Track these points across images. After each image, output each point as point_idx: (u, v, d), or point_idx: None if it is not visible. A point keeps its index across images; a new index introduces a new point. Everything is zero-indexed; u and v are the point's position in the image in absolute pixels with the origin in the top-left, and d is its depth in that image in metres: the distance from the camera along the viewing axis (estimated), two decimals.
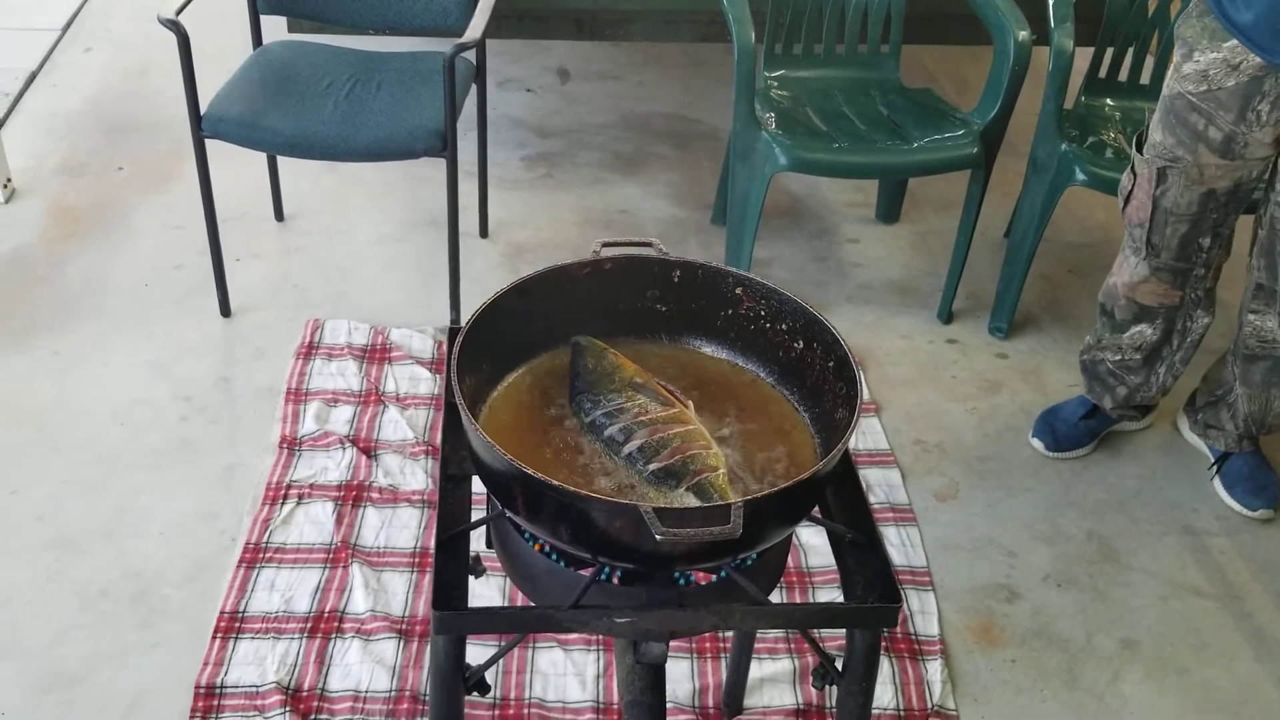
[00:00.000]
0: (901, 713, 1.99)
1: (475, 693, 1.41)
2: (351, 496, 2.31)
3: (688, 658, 2.05)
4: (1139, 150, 2.19)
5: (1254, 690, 2.09)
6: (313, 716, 1.92)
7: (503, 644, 1.89)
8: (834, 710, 1.95)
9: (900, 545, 2.29)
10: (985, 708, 2.02)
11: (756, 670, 2.01)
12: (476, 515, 1.40)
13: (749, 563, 1.33)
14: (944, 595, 2.21)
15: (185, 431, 2.47)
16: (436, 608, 1.27)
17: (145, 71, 3.86)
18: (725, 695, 1.97)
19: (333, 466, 2.38)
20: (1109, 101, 2.91)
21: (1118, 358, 2.45)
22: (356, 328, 2.76)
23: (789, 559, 1.69)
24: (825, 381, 1.37)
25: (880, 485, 2.43)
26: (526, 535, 1.35)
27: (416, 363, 2.67)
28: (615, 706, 1.96)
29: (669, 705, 1.63)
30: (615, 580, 1.29)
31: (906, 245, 3.25)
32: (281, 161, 3.08)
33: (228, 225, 2.86)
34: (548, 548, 1.33)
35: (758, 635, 2.01)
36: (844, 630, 1.43)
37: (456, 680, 1.37)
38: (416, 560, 2.20)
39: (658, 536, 1.09)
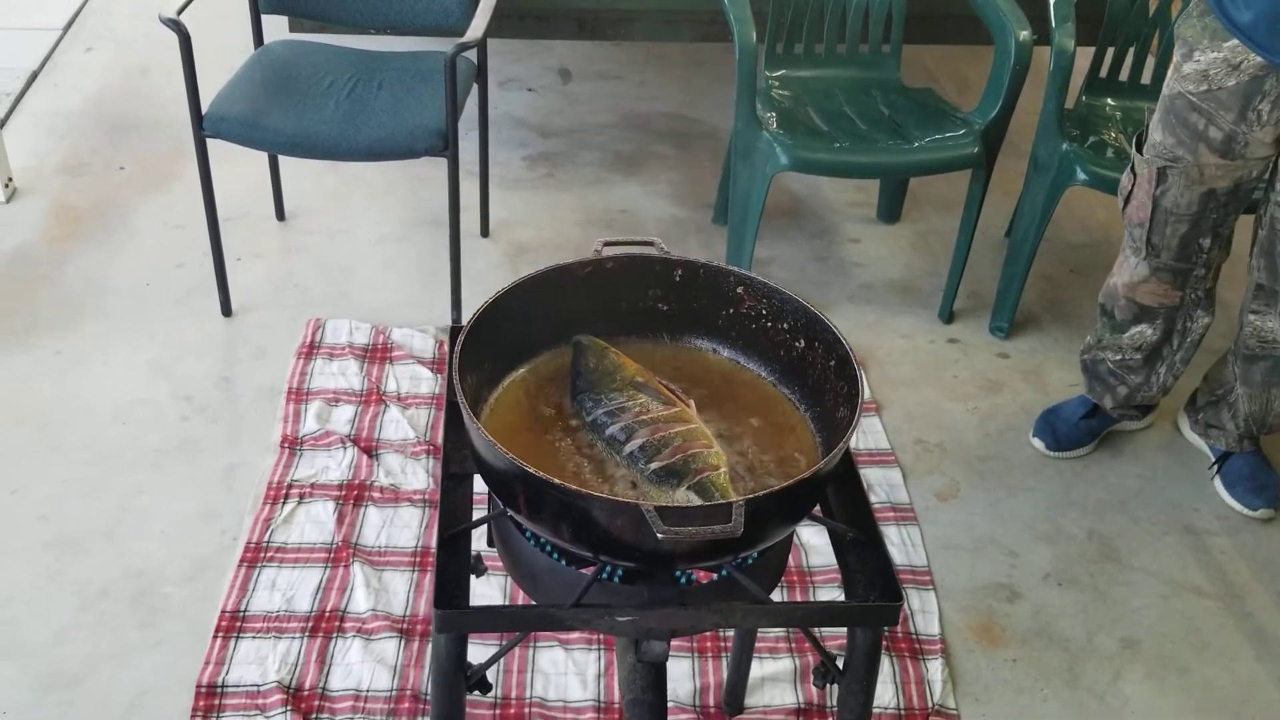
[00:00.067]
0: (902, 712, 1.99)
1: (476, 691, 1.42)
2: (353, 496, 2.31)
3: (689, 657, 2.05)
4: (1139, 150, 2.19)
5: (1255, 690, 2.09)
6: (314, 716, 1.92)
7: (504, 643, 1.89)
8: (835, 709, 1.96)
9: (901, 544, 2.29)
10: (986, 707, 2.02)
11: (757, 669, 2.01)
12: (478, 514, 1.41)
13: (750, 561, 1.33)
14: (945, 594, 2.21)
15: (186, 431, 2.47)
16: (438, 606, 1.27)
17: (146, 71, 3.86)
18: (726, 694, 1.97)
19: (334, 466, 2.38)
20: (1110, 101, 2.91)
21: (1118, 358, 2.45)
22: (358, 327, 2.77)
23: (790, 558, 1.69)
24: (826, 380, 1.37)
25: (881, 485, 2.43)
26: (528, 534, 1.35)
27: (418, 362, 2.67)
28: (616, 705, 1.96)
29: (670, 704, 1.63)
30: (616, 579, 1.29)
31: (907, 245, 3.25)
32: (283, 161, 3.08)
33: (229, 225, 2.86)
34: (549, 546, 1.33)
35: (759, 634, 2.01)
36: (845, 629, 1.43)
37: (458, 679, 1.37)
38: (417, 560, 2.20)
39: (659, 535, 1.09)
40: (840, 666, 1.43)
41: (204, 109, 2.52)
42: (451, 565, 1.32)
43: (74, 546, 2.19)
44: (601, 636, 2.06)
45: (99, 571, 2.15)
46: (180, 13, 2.43)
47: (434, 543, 1.77)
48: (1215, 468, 2.52)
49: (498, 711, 1.95)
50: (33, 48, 3.93)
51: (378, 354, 2.69)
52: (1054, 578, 2.27)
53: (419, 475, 2.38)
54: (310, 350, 2.69)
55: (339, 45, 2.88)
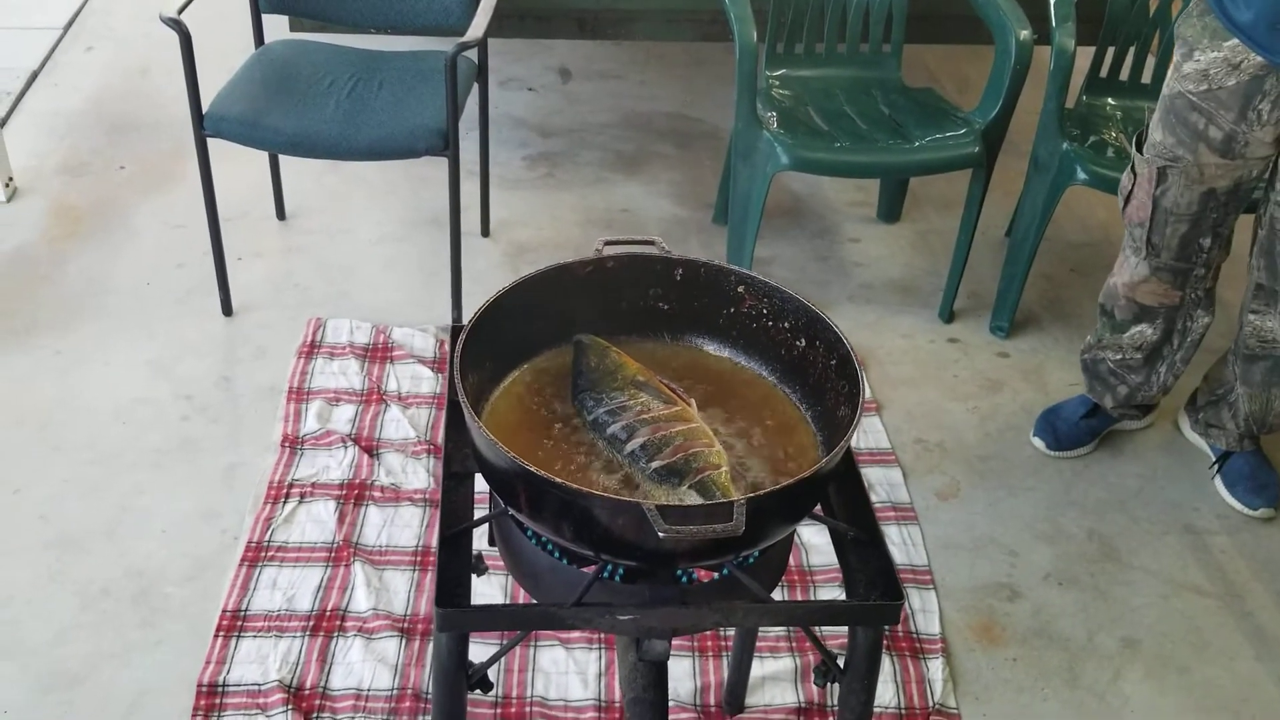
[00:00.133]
0: (903, 711, 1.99)
1: (478, 690, 1.42)
2: (353, 495, 2.32)
3: (689, 656, 2.05)
4: (1139, 150, 2.19)
5: (1255, 689, 2.09)
6: (315, 715, 1.92)
7: (505, 642, 1.89)
8: (835, 708, 1.96)
9: (901, 544, 2.29)
10: (986, 706, 2.02)
11: (758, 668, 2.01)
12: (479, 513, 1.41)
13: (751, 560, 1.34)
14: (945, 594, 2.21)
15: (187, 431, 2.47)
16: (440, 605, 1.27)
17: (147, 71, 3.86)
18: (727, 693, 1.97)
19: (334, 465, 2.38)
20: (1110, 101, 2.91)
21: (1118, 357, 2.45)
22: (358, 327, 2.77)
23: (790, 558, 1.69)
24: (827, 380, 1.37)
25: (881, 484, 2.43)
26: (529, 533, 1.35)
27: (418, 362, 2.67)
28: (617, 705, 1.96)
29: (670, 703, 1.63)
30: (618, 578, 1.29)
31: (908, 244, 3.25)
32: (283, 160, 3.08)
33: (229, 224, 2.86)
34: (550, 545, 1.33)
35: (759, 633, 2.01)
36: (846, 628, 1.43)
37: (459, 678, 1.37)
38: (418, 559, 2.20)
39: (660, 534, 1.10)
40: (841, 665, 1.43)
41: (204, 108, 2.52)
42: (453, 564, 1.32)
43: (75, 546, 2.19)
44: (602, 635, 2.06)
45: (100, 571, 2.15)
46: (181, 12, 2.43)
47: (435, 542, 1.77)
48: (1215, 467, 2.52)
49: (499, 710, 1.95)
50: (33, 47, 3.93)
51: (378, 353, 2.69)
52: (1054, 577, 2.27)
53: (420, 475, 2.38)
54: (311, 350, 2.69)
55: (339, 45, 2.88)
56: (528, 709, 1.95)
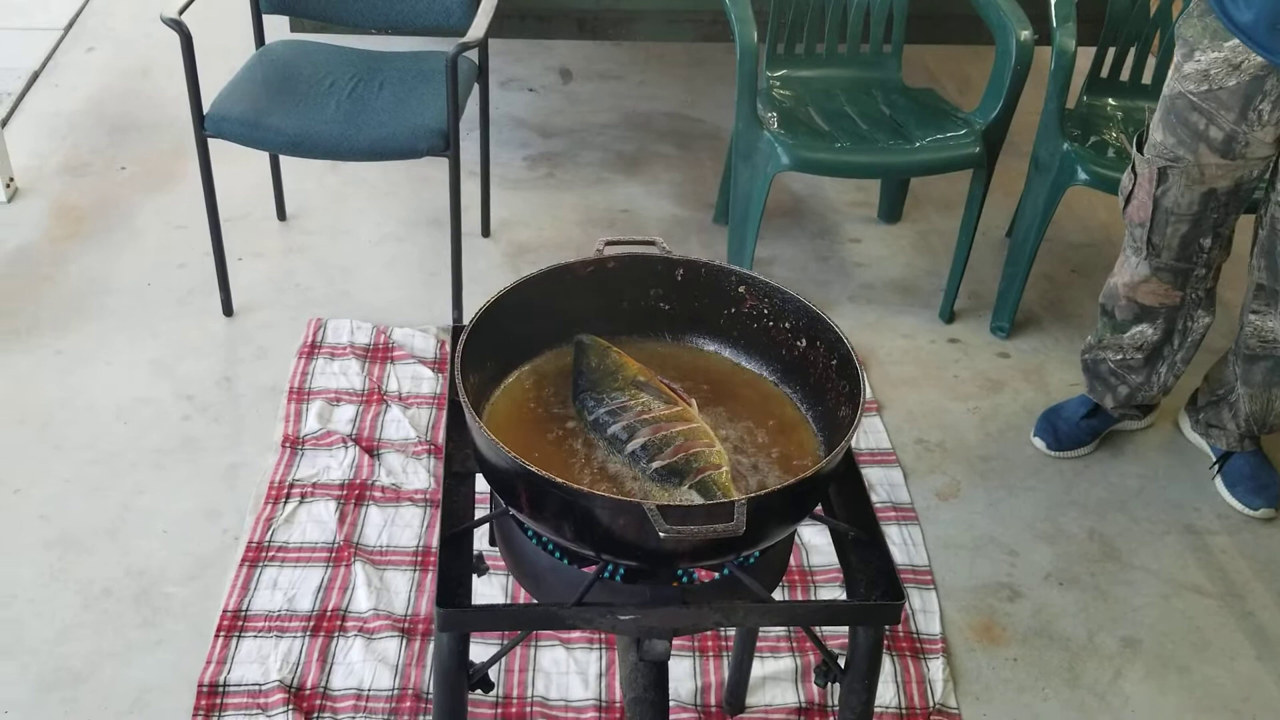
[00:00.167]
0: (903, 711, 1.99)
1: (478, 690, 1.42)
2: (354, 495, 2.32)
3: (690, 656, 2.05)
4: (1140, 150, 2.19)
5: (1255, 688, 2.09)
6: (315, 715, 1.92)
7: (505, 642, 1.89)
8: (836, 708, 1.96)
9: (902, 544, 2.30)
10: (987, 706, 2.02)
11: (759, 669, 2.01)
12: (479, 513, 1.41)
13: (752, 560, 1.34)
14: (946, 594, 2.21)
15: (188, 430, 2.48)
16: (441, 605, 1.27)
17: (147, 71, 3.86)
18: (728, 693, 1.97)
19: (335, 465, 2.38)
20: (1111, 101, 2.91)
21: (1119, 357, 2.45)
22: (359, 327, 2.77)
23: (791, 558, 1.70)
24: (828, 380, 1.37)
25: (882, 484, 2.43)
26: (530, 533, 1.35)
27: (419, 362, 2.67)
28: (618, 705, 1.96)
29: (671, 703, 1.64)
30: (618, 578, 1.29)
31: (908, 245, 3.26)
32: (284, 161, 3.08)
33: (230, 225, 2.87)
34: (551, 545, 1.33)
35: (760, 633, 2.01)
36: (846, 628, 1.43)
37: (460, 678, 1.38)
38: (419, 559, 2.20)
39: (661, 534, 1.10)
40: (842, 665, 1.43)
41: (205, 109, 2.53)
42: (454, 564, 1.32)
43: (76, 545, 2.20)
44: (603, 635, 2.06)
45: (101, 570, 2.15)
46: (182, 13, 2.43)
47: (436, 542, 1.77)
48: (1216, 467, 2.52)
49: (500, 710, 1.95)
50: (34, 48, 3.93)
51: (379, 354, 2.70)
52: (1055, 577, 2.27)
53: (420, 475, 2.38)
54: (311, 350, 2.69)
55: (340, 45, 2.88)
56: (528, 709, 1.95)
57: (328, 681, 1.97)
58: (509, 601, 2.08)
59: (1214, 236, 2.20)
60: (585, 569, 1.31)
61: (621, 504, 1.18)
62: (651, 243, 1.48)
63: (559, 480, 1.16)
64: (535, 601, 1.37)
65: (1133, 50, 2.86)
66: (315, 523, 2.25)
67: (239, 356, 2.70)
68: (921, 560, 2.27)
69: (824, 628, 2.02)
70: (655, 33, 3.56)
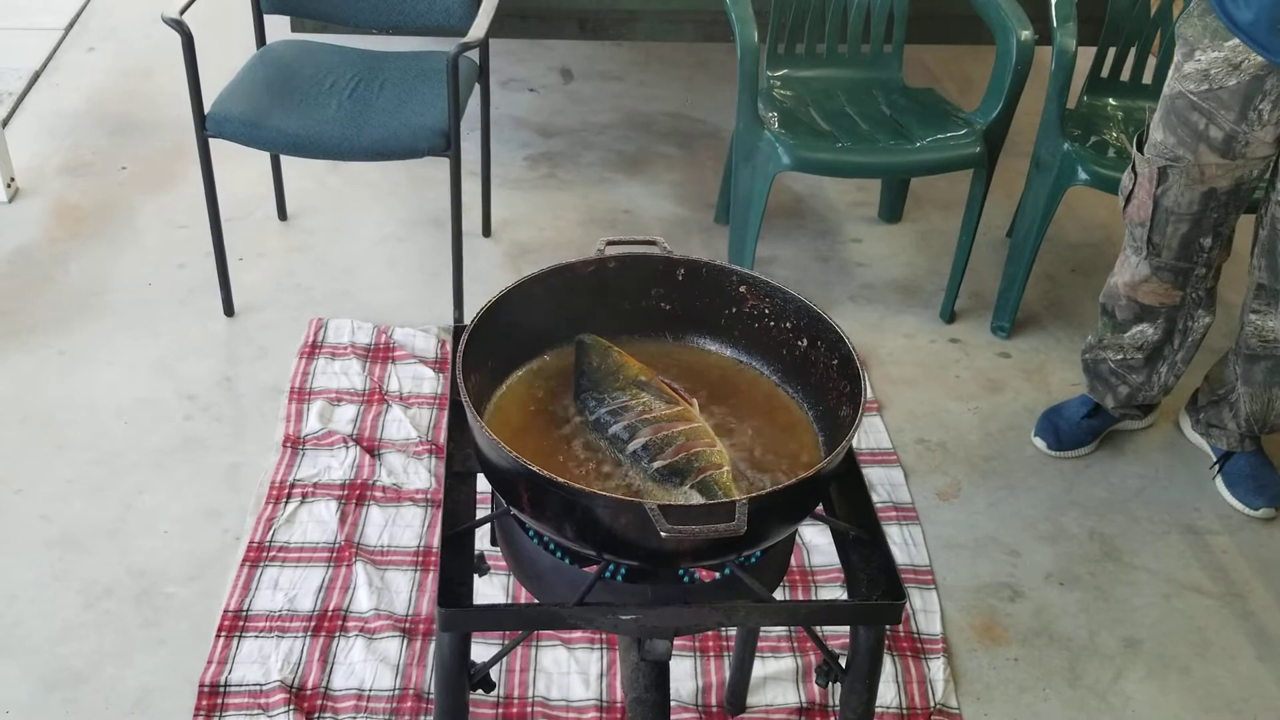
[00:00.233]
0: (904, 711, 1.99)
1: (480, 690, 1.42)
2: (355, 495, 2.32)
3: (691, 656, 2.05)
4: (1140, 149, 2.19)
5: (1256, 688, 2.09)
6: (316, 715, 1.92)
7: (507, 642, 1.89)
8: (837, 708, 1.96)
9: (903, 544, 2.30)
10: (988, 706, 2.02)
11: (760, 669, 2.01)
12: (481, 513, 1.41)
13: (753, 560, 1.34)
14: (946, 594, 2.21)
15: (189, 430, 2.48)
16: (442, 604, 1.27)
17: (148, 71, 3.86)
18: (729, 693, 1.97)
19: (336, 465, 2.38)
20: (1111, 101, 2.91)
21: (1119, 357, 2.45)
22: (360, 327, 2.77)
23: (792, 558, 1.70)
24: (829, 379, 1.37)
25: (883, 484, 2.44)
26: (531, 533, 1.35)
27: (420, 362, 2.67)
28: (619, 705, 1.97)
29: (672, 703, 1.63)
30: (620, 578, 1.30)
31: (909, 245, 3.26)
32: (285, 161, 3.09)
33: (231, 225, 2.87)
34: (552, 545, 1.34)
35: (761, 634, 2.01)
36: (847, 628, 1.43)
37: (462, 677, 1.38)
38: (420, 559, 2.20)
39: (662, 534, 1.10)
40: (843, 665, 1.43)
41: (206, 109, 2.53)
42: (455, 563, 1.32)
43: (77, 545, 2.20)
44: (604, 635, 2.06)
45: (102, 570, 2.15)
46: (183, 13, 2.43)
47: (437, 541, 1.77)
48: (1217, 467, 2.52)
49: (501, 710, 1.95)
50: (35, 48, 3.93)
51: (380, 354, 2.70)
52: (1055, 577, 2.27)
53: (421, 475, 2.38)
54: (312, 350, 2.69)
55: (341, 45, 2.88)
56: (530, 709, 1.95)
57: (329, 682, 1.97)
58: (510, 601, 2.08)
59: (1214, 236, 2.20)
60: (586, 569, 1.31)
61: (623, 504, 1.18)
62: (653, 243, 1.48)
63: (560, 480, 1.16)
64: (537, 601, 1.38)
65: (1133, 50, 2.86)
66: (316, 523, 2.25)
67: (240, 356, 2.70)
68: (922, 560, 2.27)
69: (825, 627, 2.02)
70: (656, 33, 3.56)
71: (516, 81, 3.94)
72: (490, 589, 2.11)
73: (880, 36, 3.00)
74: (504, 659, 2.00)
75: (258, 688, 1.95)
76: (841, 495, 1.44)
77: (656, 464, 1.26)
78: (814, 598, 2.16)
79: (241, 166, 3.06)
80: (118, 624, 2.06)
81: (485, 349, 1.34)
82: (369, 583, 2.13)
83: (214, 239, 2.71)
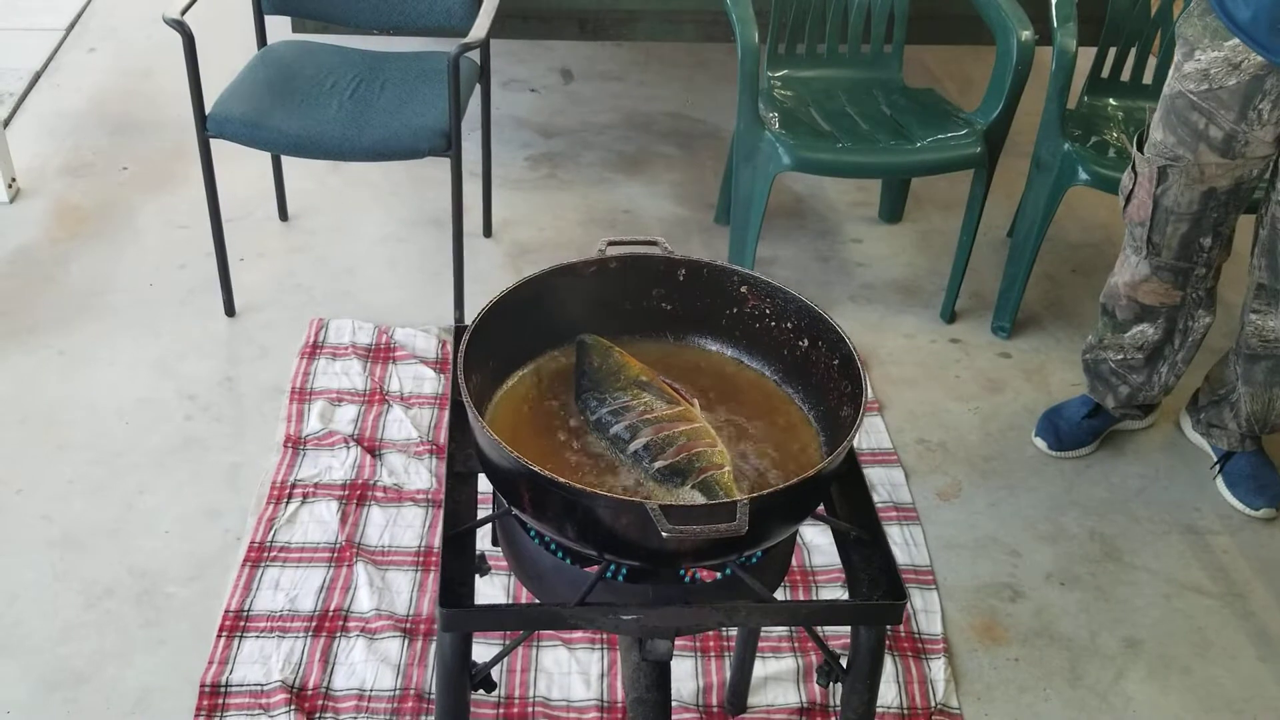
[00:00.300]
0: (905, 711, 1.99)
1: (481, 690, 1.42)
2: (356, 495, 2.32)
3: (692, 656, 2.05)
4: (1140, 149, 2.19)
5: (1257, 688, 2.09)
6: (317, 715, 1.92)
7: (508, 642, 1.90)
8: (838, 709, 1.96)
9: (903, 544, 2.30)
10: (989, 706, 2.02)
11: (761, 669, 2.01)
12: (482, 513, 1.41)
13: (754, 560, 1.34)
14: (947, 594, 2.21)
15: (190, 430, 2.48)
16: (443, 604, 1.27)
17: (149, 71, 3.86)
18: (729, 694, 1.98)
19: (337, 465, 2.38)
20: (1112, 101, 2.91)
21: (1120, 357, 2.45)
22: (360, 327, 2.77)
23: (793, 558, 1.70)
24: (830, 380, 1.38)
25: (883, 484, 2.44)
26: (532, 533, 1.35)
27: (421, 362, 2.67)
28: (620, 705, 1.97)
29: (673, 704, 1.64)
30: (621, 578, 1.30)
31: (909, 245, 3.26)
32: (286, 161, 3.09)
33: (232, 225, 2.87)
34: (554, 545, 1.34)
35: (762, 634, 2.01)
36: (848, 629, 1.43)
37: (463, 678, 1.38)
38: (421, 559, 2.20)
39: (664, 534, 1.10)
40: (844, 665, 1.43)
41: (207, 109, 2.53)
42: (456, 563, 1.32)
43: (78, 545, 2.20)
44: (605, 636, 2.06)
45: (103, 570, 2.15)
46: (184, 13, 2.43)
47: (438, 542, 1.77)
48: (1217, 467, 2.52)
49: (502, 710, 1.95)
50: (36, 48, 3.93)
51: (381, 354, 2.70)
52: (1056, 577, 2.27)
53: (422, 475, 2.38)
54: (313, 350, 2.69)
55: (342, 45, 2.88)
56: (531, 709, 1.95)
57: (330, 682, 1.97)
58: (511, 601, 2.09)
59: (1214, 236, 2.20)
60: (588, 569, 1.31)
61: (624, 504, 1.18)
62: (653, 243, 1.48)
63: (562, 480, 1.16)
64: (538, 601, 1.38)
65: (1133, 50, 2.86)
66: (317, 523, 2.25)
67: (241, 356, 2.70)
68: (923, 560, 2.27)
69: (826, 628, 2.02)
70: (656, 33, 3.57)
71: (517, 82, 3.94)
72: (491, 589, 2.11)
73: (880, 37, 3.00)
74: (505, 659, 2.00)
75: (259, 688, 1.95)
76: (842, 495, 1.44)
77: (658, 464, 1.26)
78: (815, 598, 2.16)
79: (242, 167, 3.06)
80: (118, 624, 2.06)
81: (486, 349, 1.34)
82: (370, 583, 2.13)
83: (215, 239, 2.71)
